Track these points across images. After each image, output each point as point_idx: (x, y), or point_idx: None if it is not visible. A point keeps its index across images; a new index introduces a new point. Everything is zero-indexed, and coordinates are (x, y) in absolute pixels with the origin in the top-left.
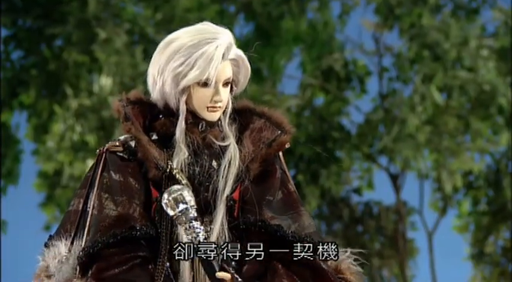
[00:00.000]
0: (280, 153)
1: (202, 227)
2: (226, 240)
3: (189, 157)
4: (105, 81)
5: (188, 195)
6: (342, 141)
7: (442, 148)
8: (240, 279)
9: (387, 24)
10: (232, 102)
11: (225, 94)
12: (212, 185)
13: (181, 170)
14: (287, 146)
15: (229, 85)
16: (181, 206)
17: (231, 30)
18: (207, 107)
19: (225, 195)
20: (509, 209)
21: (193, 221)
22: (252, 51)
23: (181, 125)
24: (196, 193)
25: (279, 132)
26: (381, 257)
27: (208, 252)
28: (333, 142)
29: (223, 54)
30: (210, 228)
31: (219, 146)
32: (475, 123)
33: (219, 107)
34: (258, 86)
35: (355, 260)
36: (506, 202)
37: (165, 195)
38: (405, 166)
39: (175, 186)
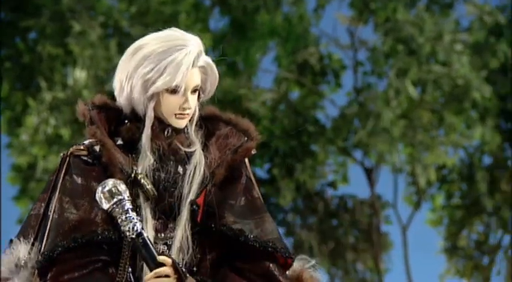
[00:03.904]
0: (246, 160)
1: (138, 217)
2: (189, 246)
3: (155, 163)
4: (79, 74)
5: (122, 187)
6: (317, 135)
7: (416, 142)
8: (180, 264)
9: (362, 19)
10: (199, 109)
11: (193, 101)
12: (177, 191)
13: (146, 176)
14: (253, 152)
15: (197, 92)
16: (116, 198)
17: (206, 24)
18: (175, 114)
19: (189, 200)
20: (482, 202)
21: (129, 212)
22: (227, 45)
23: (147, 131)
24: (161, 199)
25: (245, 138)
26: (356, 250)
27: (146, 239)
28: (308, 136)
29: (193, 62)
30: (174, 233)
31: (185, 152)
32: (449, 117)
33: (187, 114)
34: (234, 80)
35: (317, 269)
36: (480, 196)
37: (99, 189)
38: (380, 160)
39: (109, 180)
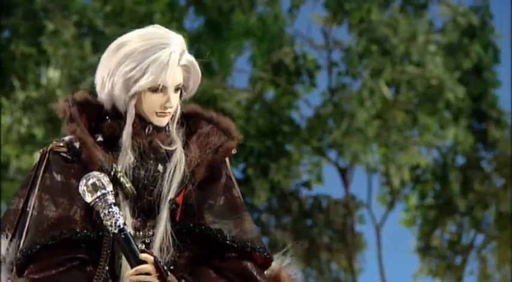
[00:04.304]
0: (227, 159)
1: (121, 212)
2: (170, 245)
3: (135, 161)
4: (53, 74)
5: (106, 180)
6: (291, 135)
7: (390, 142)
8: (162, 262)
9: (336, 19)
10: (180, 107)
11: (175, 100)
12: (156, 189)
13: (126, 173)
14: (233, 152)
15: (179, 90)
16: (100, 192)
17: (181, 23)
18: (157, 113)
19: (168, 199)
20: (455, 202)
21: (112, 207)
22: (202, 45)
23: (128, 128)
24: (140, 197)
25: (226, 138)
26: (330, 250)
27: (129, 235)
28: (282, 136)
29: (178, 61)
30: (153, 232)
31: (166, 150)
32: (422, 117)
33: (169, 112)
34: (209, 80)
35: (295, 268)
36: (453, 196)
37: (83, 181)
38: (354, 160)
39: (93, 173)
